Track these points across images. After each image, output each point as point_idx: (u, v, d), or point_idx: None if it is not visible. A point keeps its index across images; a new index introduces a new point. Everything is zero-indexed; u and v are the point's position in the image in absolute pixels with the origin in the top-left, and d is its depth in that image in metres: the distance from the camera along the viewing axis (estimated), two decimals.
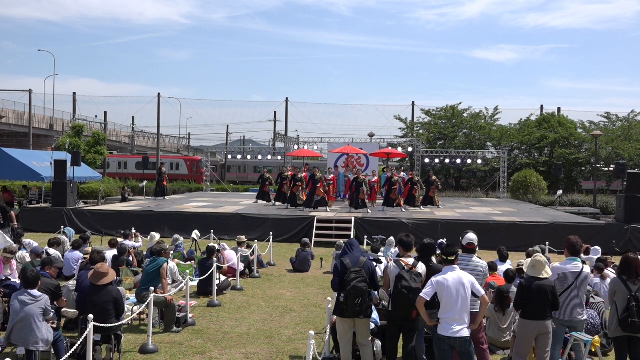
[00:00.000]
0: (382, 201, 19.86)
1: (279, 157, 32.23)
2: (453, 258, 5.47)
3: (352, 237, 14.82)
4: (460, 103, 38.69)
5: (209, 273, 9.35)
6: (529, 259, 7.27)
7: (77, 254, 10.46)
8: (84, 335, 5.50)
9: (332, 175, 19.27)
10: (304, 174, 19.82)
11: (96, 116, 46.87)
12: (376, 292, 6.49)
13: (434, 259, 6.29)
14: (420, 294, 5.39)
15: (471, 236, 6.09)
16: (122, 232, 12.60)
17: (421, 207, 20.06)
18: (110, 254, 10.14)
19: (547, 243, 13.36)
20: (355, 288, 5.65)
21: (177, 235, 12.07)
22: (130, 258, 10.63)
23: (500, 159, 30.48)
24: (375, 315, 6.58)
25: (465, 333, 5.26)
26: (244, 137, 72.41)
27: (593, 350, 6.20)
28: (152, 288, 7.15)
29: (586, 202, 28.00)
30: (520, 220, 16.67)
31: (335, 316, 5.99)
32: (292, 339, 7.56)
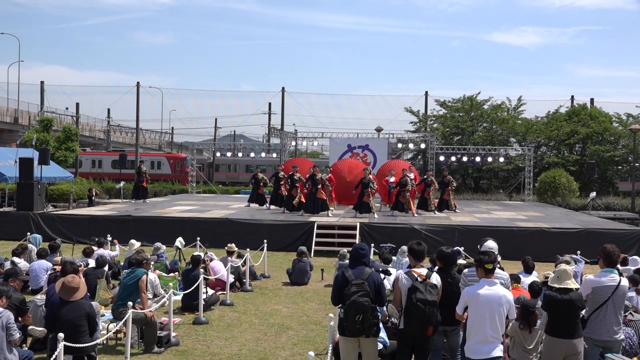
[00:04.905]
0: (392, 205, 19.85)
1: (274, 155, 32.23)
2: (492, 267, 5.45)
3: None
4: (479, 93, 38.87)
5: (194, 286, 9.35)
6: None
7: (45, 263, 10.46)
8: (53, 356, 5.50)
9: (329, 175, 19.27)
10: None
11: (67, 108, 47.00)
12: (384, 308, 6.49)
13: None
14: (456, 309, 5.56)
15: (491, 244, 6.10)
16: (96, 239, 12.61)
17: (435, 211, 20.07)
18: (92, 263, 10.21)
19: (579, 252, 13.33)
20: (355, 303, 5.64)
21: (158, 244, 12.07)
22: (106, 268, 10.63)
23: (525, 157, 30.48)
24: (383, 334, 6.58)
25: (498, 353, 5.27)
26: (235, 131, 72.44)
27: None
28: (130, 303, 7.15)
29: (623, 205, 27.97)
30: (547, 227, 16.68)
31: (338, 335, 6.00)
32: None
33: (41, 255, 10.76)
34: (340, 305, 5.87)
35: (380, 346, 6.39)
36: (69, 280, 6.44)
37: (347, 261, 11.01)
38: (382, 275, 6.31)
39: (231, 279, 11.29)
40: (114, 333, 7.64)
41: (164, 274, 10.88)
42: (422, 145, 31.19)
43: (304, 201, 18.82)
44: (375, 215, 18.21)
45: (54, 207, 23.26)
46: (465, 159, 30.40)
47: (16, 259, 10.73)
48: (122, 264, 11.72)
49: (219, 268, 11.03)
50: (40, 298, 7.91)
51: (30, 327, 7.06)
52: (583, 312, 5.96)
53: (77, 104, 45.11)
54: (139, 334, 7.92)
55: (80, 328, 6.24)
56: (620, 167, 37.25)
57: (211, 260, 11.28)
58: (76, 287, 6.39)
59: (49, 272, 9.72)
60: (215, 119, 61.59)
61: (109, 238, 13.54)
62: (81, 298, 6.42)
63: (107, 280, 9.96)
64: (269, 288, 12.00)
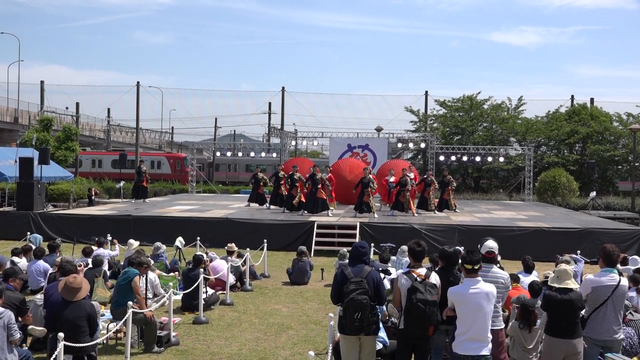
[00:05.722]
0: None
1: (274, 154, 32.26)
2: (477, 267, 5.48)
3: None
4: (479, 92, 38.90)
5: (194, 286, 9.35)
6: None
7: (42, 264, 10.44)
8: (53, 356, 5.51)
9: (329, 175, 19.26)
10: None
11: (67, 108, 46.98)
12: (384, 308, 6.50)
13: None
14: (448, 307, 5.57)
15: (491, 244, 6.10)
16: (96, 239, 12.61)
17: (435, 211, 20.08)
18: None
19: (579, 252, 13.36)
20: (353, 301, 5.66)
21: (158, 243, 12.08)
22: (106, 268, 10.63)
23: (525, 157, 30.49)
24: (382, 334, 6.58)
25: (486, 352, 5.30)
26: (234, 131, 72.46)
27: None
28: (130, 303, 7.15)
29: (623, 205, 27.99)
30: (547, 226, 16.68)
31: (339, 333, 6.01)
32: None
33: (38, 255, 10.73)
34: (340, 303, 5.89)
35: (380, 346, 6.39)
36: (70, 280, 6.42)
37: (347, 261, 11.05)
38: (382, 275, 6.32)
39: (233, 279, 11.31)
40: (114, 333, 7.64)
41: (164, 274, 10.89)
42: (422, 145, 31.19)
43: (304, 201, 18.83)
44: (375, 215, 18.21)
45: (54, 207, 23.26)
46: (465, 158, 30.41)
47: (16, 259, 10.73)
48: (122, 263, 11.72)
49: (222, 267, 11.03)
50: (40, 298, 7.92)
51: (30, 326, 7.06)
52: (583, 311, 5.97)
53: (77, 104, 45.13)
54: (138, 333, 7.92)
55: (80, 328, 6.23)
56: (620, 167, 37.26)
57: (211, 260, 11.28)
58: (78, 287, 6.37)
59: (49, 273, 9.71)
60: (215, 119, 61.55)
61: (109, 238, 13.54)
62: (83, 298, 6.42)
63: (105, 279, 9.95)
64: (269, 288, 12.00)
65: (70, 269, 7.11)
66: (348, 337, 5.86)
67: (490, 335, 5.39)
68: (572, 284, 5.85)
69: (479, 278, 5.50)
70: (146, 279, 8.52)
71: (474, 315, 5.31)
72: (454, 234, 16.23)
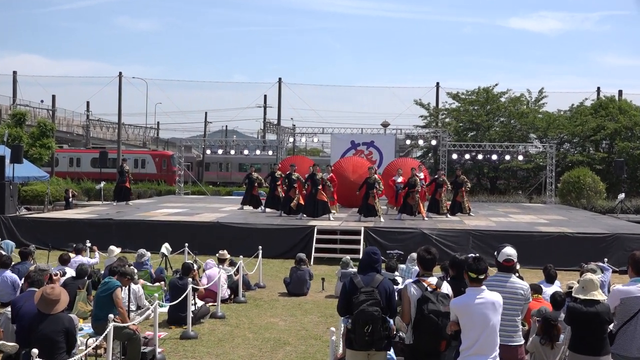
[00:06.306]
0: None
1: (270, 152, 32.31)
2: (482, 277, 5.48)
3: (362, 250, 14.79)
4: (496, 84, 38.83)
5: (182, 297, 9.35)
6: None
7: (9, 275, 10.32)
8: None
9: (331, 174, 19.25)
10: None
11: (42, 101, 47.22)
12: (392, 321, 6.48)
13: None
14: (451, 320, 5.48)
15: (509, 251, 6.07)
16: (74, 245, 12.61)
17: (447, 214, 20.09)
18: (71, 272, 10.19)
19: (606, 259, 13.36)
20: (363, 312, 5.65)
21: (142, 250, 12.08)
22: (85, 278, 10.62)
23: (547, 155, 30.48)
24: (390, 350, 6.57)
25: None
26: (227, 127, 72.55)
27: None
28: (110, 316, 7.13)
29: None
30: (571, 231, 16.68)
31: (346, 348, 5.99)
32: None
33: (6, 263, 10.61)
34: (347, 316, 5.88)
35: None
36: (48, 291, 6.37)
37: (350, 269, 11.05)
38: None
39: (227, 291, 11.31)
40: (93, 349, 7.61)
41: (148, 284, 10.88)
42: (433, 142, 31.21)
43: (303, 203, 18.83)
44: (382, 219, 18.23)
45: (28, 210, 23.29)
46: (480, 157, 30.44)
47: None
48: (102, 272, 11.71)
49: (213, 276, 11.01)
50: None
51: (0, 342, 7.04)
52: (611, 326, 5.95)
53: (54, 96, 45.26)
54: (121, 350, 7.90)
55: (57, 344, 6.20)
56: None
57: (200, 268, 11.26)
58: (56, 299, 6.33)
59: (19, 283, 9.68)
60: (205, 113, 61.59)
61: (88, 244, 13.53)
62: (61, 311, 6.38)
63: (88, 291, 9.94)
64: (265, 299, 12.00)
65: (39, 279, 7.08)
66: (356, 353, 5.84)
67: (498, 350, 5.36)
68: (599, 295, 5.83)
69: (484, 287, 5.48)
70: (129, 290, 8.51)
71: (480, 328, 5.29)
72: (468, 239, 16.21)
